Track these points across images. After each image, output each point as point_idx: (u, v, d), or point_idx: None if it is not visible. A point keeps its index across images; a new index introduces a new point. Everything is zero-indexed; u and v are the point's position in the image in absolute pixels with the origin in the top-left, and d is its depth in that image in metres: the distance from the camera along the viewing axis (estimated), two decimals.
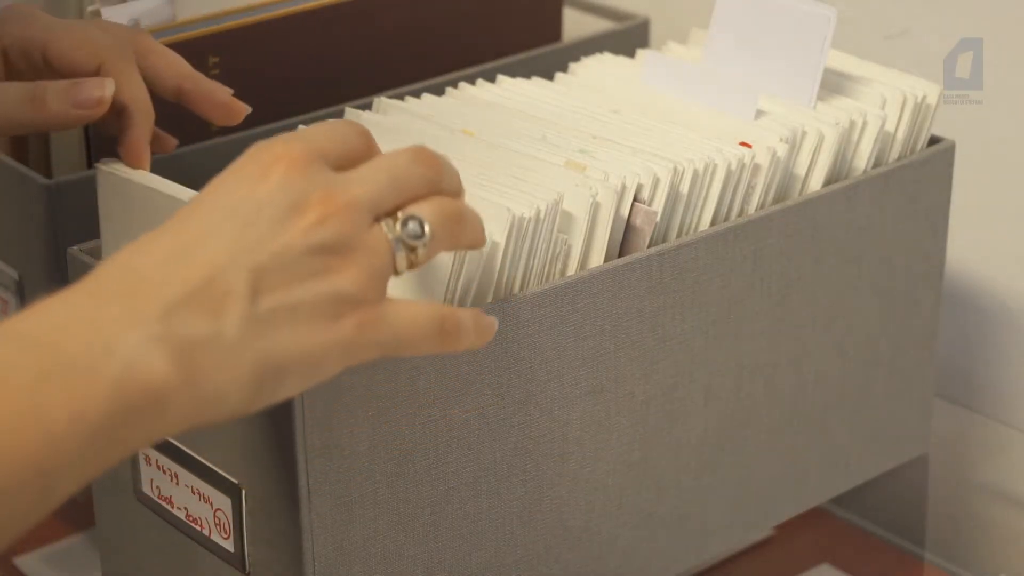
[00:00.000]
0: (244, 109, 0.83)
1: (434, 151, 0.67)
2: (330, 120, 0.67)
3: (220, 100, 0.83)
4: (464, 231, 0.67)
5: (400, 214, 0.65)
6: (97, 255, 0.80)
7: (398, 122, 0.86)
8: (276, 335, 0.60)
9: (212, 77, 0.91)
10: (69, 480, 0.56)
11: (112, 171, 0.78)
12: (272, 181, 0.62)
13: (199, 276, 0.59)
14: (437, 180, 0.66)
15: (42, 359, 0.56)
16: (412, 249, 0.65)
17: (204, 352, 0.59)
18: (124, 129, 0.80)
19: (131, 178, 0.77)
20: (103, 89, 0.79)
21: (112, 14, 0.91)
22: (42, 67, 0.82)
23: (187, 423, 0.59)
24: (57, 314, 0.58)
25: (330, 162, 0.64)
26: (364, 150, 0.66)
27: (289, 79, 0.97)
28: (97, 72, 0.80)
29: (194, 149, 0.92)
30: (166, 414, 0.58)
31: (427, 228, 0.65)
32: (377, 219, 0.64)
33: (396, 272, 0.65)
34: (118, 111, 0.80)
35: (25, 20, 0.82)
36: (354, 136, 0.66)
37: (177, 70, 0.83)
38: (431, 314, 0.66)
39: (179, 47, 0.91)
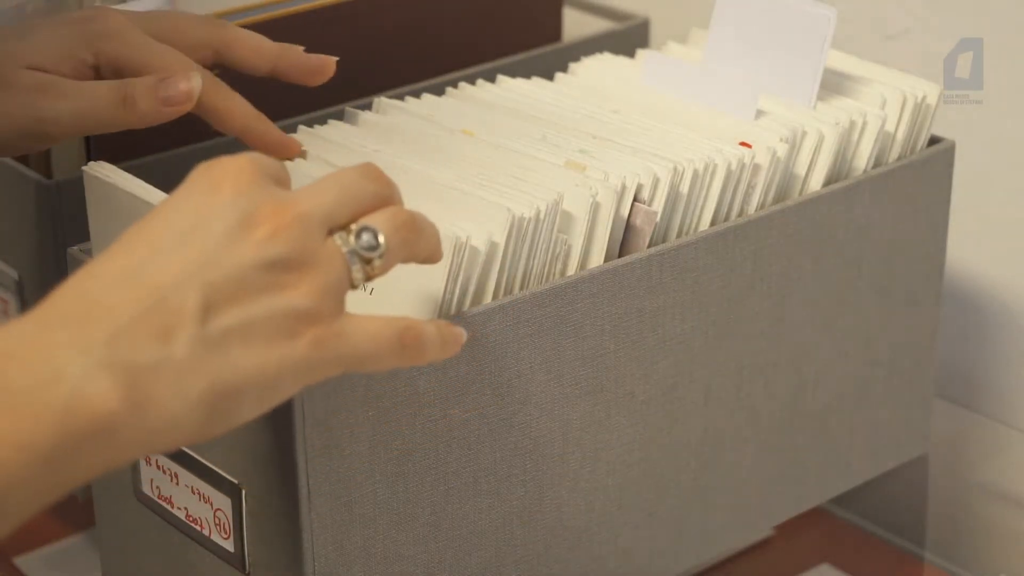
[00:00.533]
0: (332, 62, 0.83)
1: (381, 169, 0.66)
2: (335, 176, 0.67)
3: (312, 66, 0.83)
4: (420, 241, 0.66)
5: (353, 226, 0.64)
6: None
7: (398, 122, 0.86)
8: (228, 355, 0.59)
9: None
10: (18, 509, 0.55)
11: (98, 174, 0.78)
12: (221, 196, 0.61)
13: (148, 298, 0.58)
14: (388, 195, 0.66)
15: None
16: (368, 261, 0.64)
17: (153, 377, 0.57)
18: (251, 140, 0.80)
19: (115, 183, 0.76)
20: (190, 82, 0.78)
21: None
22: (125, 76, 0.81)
23: (139, 451, 0.58)
24: (5, 342, 0.57)
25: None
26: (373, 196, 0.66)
27: None
28: (197, 105, 0.80)
29: (193, 149, 0.92)
30: (116, 442, 0.57)
31: (382, 239, 0.64)
32: (330, 233, 0.63)
33: (352, 286, 0.64)
34: (229, 129, 0.80)
35: (122, 38, 0.81)
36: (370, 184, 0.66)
37: (264, 53, 0.83)
38: (391, 328, 0.64)
39: None
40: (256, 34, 0.84)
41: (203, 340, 0.58)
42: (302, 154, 0.82)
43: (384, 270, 0.65)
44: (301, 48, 0.84)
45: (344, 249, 0.63)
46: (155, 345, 0.58)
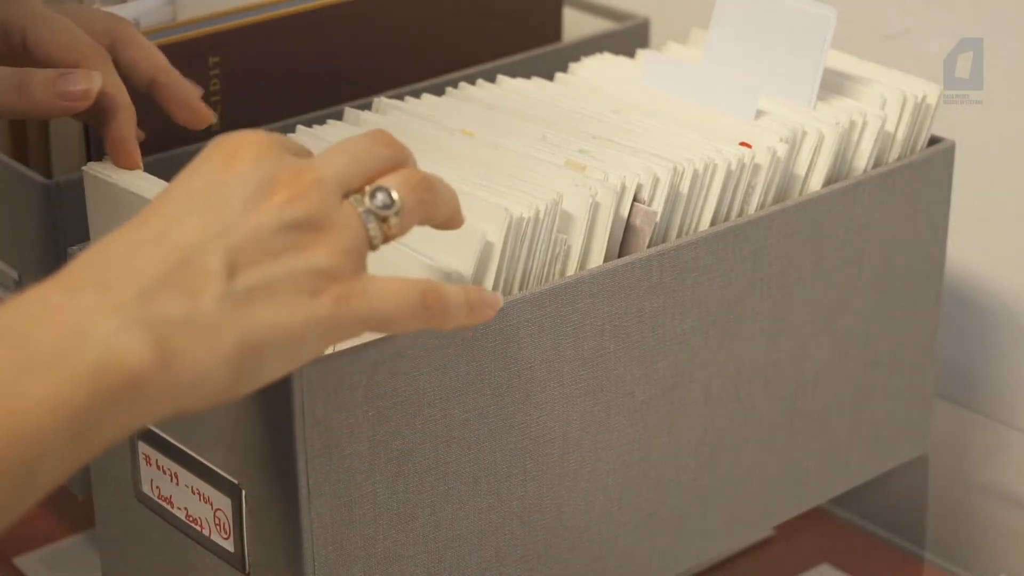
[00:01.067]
0: (210, 116, 0.83)
1: (391, 134, 0.67)
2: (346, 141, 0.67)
3: (189, 102, 0.83)
4: (436, 201, 0.67)
5: (367, 188, 0.65)
6: None
7: (398, 122, 0.86)
8: (254, 312, 0.60)
9: (212, 77, 0.91)
10: (53, 471, 0.56)
11: (98, 174, 0.78)
12: (239, 165, 0.62)
13: (173, 258, 0.59)
14: (401, 158, 0.67)
15: (17, 352, 0.55)
16: (384, 220, 0.65)
17: (182, 332, 0.58)
18: (106, 127, 0.80)
19: (116, 182, 0.77)
20: (90, 82, 0.78)
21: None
22: (21, 52, 0.82)
23: (169, 408, 0.58)
24: (30, 306, 0.57)
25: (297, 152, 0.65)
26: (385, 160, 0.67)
27: (289, 79, 0.97)
28: (74, 68, 0.80)
29: (193, 149, 0.92)
30: (146, 398, 0.57)
31: (396, 197, 0.65)
32: (345, 196, 0.64)
33: (371, 246, 0.64)
34: (98, 110, 0.80)
35: (12, 3, 0.82)
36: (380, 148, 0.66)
37: (154, 63, 0.83)
38: (413, 288, 0.65)
39: (179, 47, 0.91)
40: (155, 48, 0.84)
41: (230, 297, 0.59)
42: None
43: (402, 229, 0.65)
44: (193, 87, 0.83)
45: (360, 210, 0.64)
46: (183, 302, 0.58)
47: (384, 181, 0.65)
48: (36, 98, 0.79)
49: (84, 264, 0.59)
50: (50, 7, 0.83)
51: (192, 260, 0.59)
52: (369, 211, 0.64)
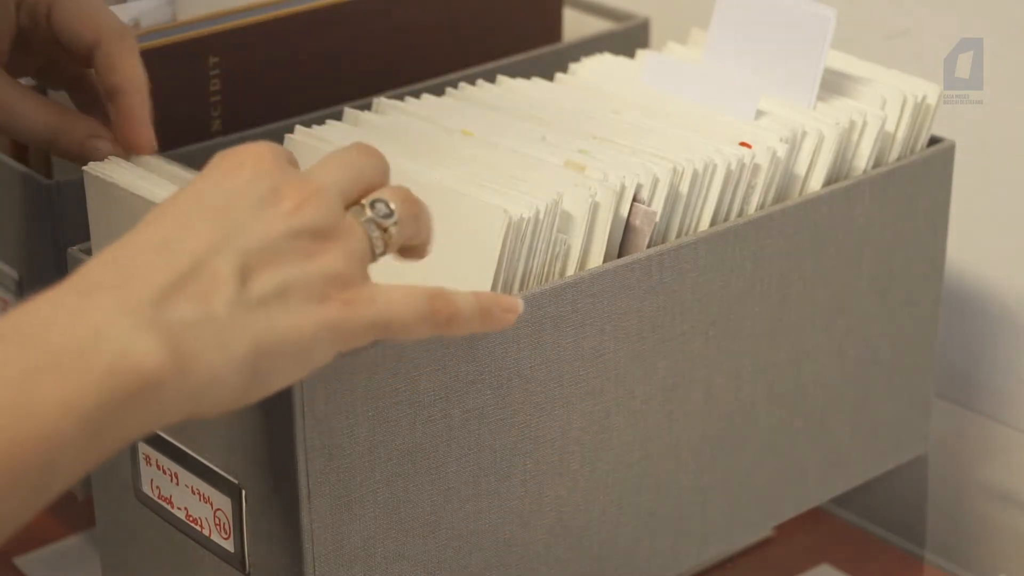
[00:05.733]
0: (151, 146, 0.81)
1: (369, 144, 0.68)
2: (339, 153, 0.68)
3: (134, 129, 0.81)
4: (422, 218, 0.68)
5: (365, 200, 0.66)
6: None
7: (398, 122, 0.86)
8: (267, 317, 0.60)
9: (212, 77, 0.91)
10: (66, 473, 0.56)
11: (98, 174, 0.78)
12: (244, 175, 0.63)
13: (185, 264, 0.59)
14: (384, 168, 0.68)
15: (31, 354, 0.55)
16: (384, 230, 0.65)
17: (196, 335, 0.58)
18: (120, 112, 0.80)
19: (116, 182, 0.77)
20: (116, 151, 0.80)
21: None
22: (45, 28, 0.82)
23: (183, 411, 0.59)
24: (44, 310, 0.57)
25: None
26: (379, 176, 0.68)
27: (289, 79, 0.97)
28: (93, 48, 0.80)
29: (193, 149, 0.92)
30: (160, 401, 0.57)
31: (394, 207, 0.66)
32: (346, 207, 0.65)
33: (374, 256, 0.65)
34: (112, 94, 0.81)
35: None
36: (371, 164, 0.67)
37: (131, 75, 0.81)
38: (421, 293, 0.65)
39: (179, 47, 0.91)
40: (140, 67, 0.82)
41: (242, 302, 0.60)
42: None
43: (399, 241, 0.66)
44: (147, 116, 0.82)
45: (362, 219, 0.65)
46: (197, 306, 0.59)
47: (380, 194, 0.66)
48: (64, 154, 0.82)
49: (97, 268, 0.60)
50: None
51: (205, 265, 0.60)
52: (371, 220, 0.65)
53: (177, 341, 0.58)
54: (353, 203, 0.66)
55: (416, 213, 0.67)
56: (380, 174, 0.67)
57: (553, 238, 0.77)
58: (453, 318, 0.67)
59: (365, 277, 0.64)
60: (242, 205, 0.62)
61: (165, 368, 0.57)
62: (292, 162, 0.66)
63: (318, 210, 0.63)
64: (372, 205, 0.66)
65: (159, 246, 0.60)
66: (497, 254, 0.75)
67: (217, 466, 0.75)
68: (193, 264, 0.60)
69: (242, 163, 0.64)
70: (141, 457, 0.80)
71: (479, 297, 0.68)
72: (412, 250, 0.69)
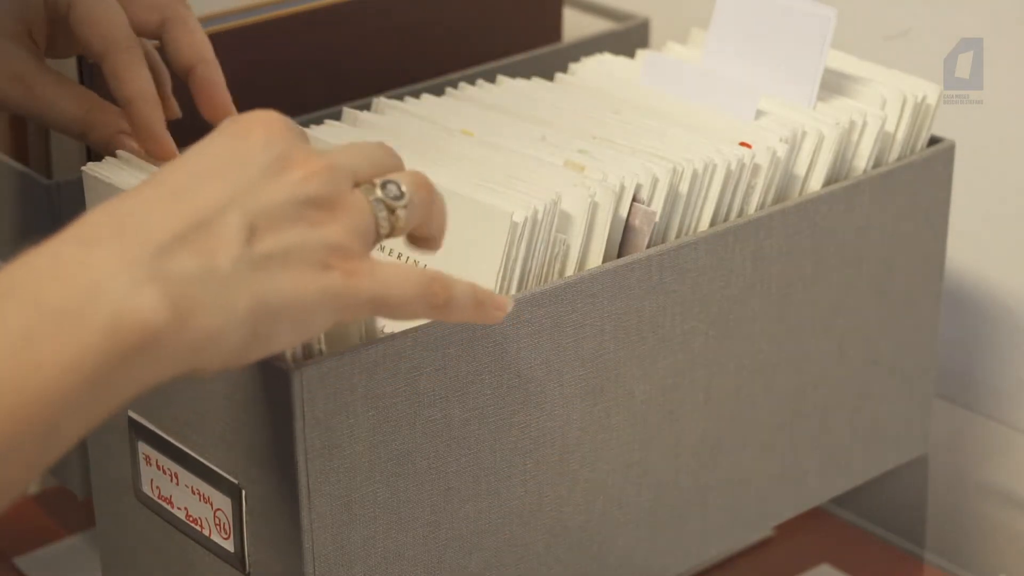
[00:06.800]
0: (230, 110, 0.83)
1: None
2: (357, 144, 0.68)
3: (217, 97, 0.83)
4: (434, 205, 0.68)
5: (377, 180, 0.66)
6: None
7: (398, 122, 0.86)
8: (270, 277, 0.60)
9: None
10: (69, 433, 0.56)
11: (98, 175, 0.78)
12: (254, 140, 0.63)
13: (191, 218, 0.59)
14: (400, 163, 0.68)
15: (31, 309, 0.55)
16: (392, 211, 0.65)
17: (197, 290, 0.58)
18: (134, 122, 0.81)
19: (116, 183, 0.77)
20: (136, 149, 0.81)
21: None
22: (63, 23, 0.83)
23: (183, 365, 0.58)
24: (44, 263, 0.57)
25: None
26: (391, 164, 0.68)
27: (288, 79, 0.97)
28: (101, 59, 0.81)
29: None
30: (161, 355, 0.57)
31: (405, 190, 0.66)
32: (356, 186, 0.65)
33: (379, 235, 0.65)
34: (123, 105, 0.81)
35: None
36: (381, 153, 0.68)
37: (198, 51, 0.83)
38: (420, 274, 0.66)
39: None
40: (205, 37, 0.84)
41: (246, 260, 0.60)
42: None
43: (407, 224, 0.66)
44: (221, 78, 0.83)
45: (371, 198, 0.65)
46: (200, 260, 0.58)
47: (393, 176, 0.66)
48: (95, 140, 0.82)
49: (99, 218, 0.59)
50: None
51: (211, 221, 0.59)
52: (380, 200, 0.65)
53: (178, 295, 0.57)
54: (365, 183, 0.66)
55: (429, 200, 0.67)
56: (395, 164, 0.68)
57: (552, 238, 0.77)
58: (449, 303, 0.67)
59: (366, 253, 0.64)
60: (252, 167, 0.62)
61: (165, 321, 0.56)
62: (302, 135, 0.66)
63: (326, 182, 0.63)
64: (384, 186, 0.65)
65: (166, 199, 0.60)
66: (500, 256, 0.75)
67: (217, 466, 0.75)
68: (200, 219, 0.59)
69: (251, 129, 0.63)
70: (141, 457, 0.80)
71: (475, 288, 0.68)
72: (424, 241, 0.69)
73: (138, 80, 0.81)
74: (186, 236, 0.59)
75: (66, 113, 0.83)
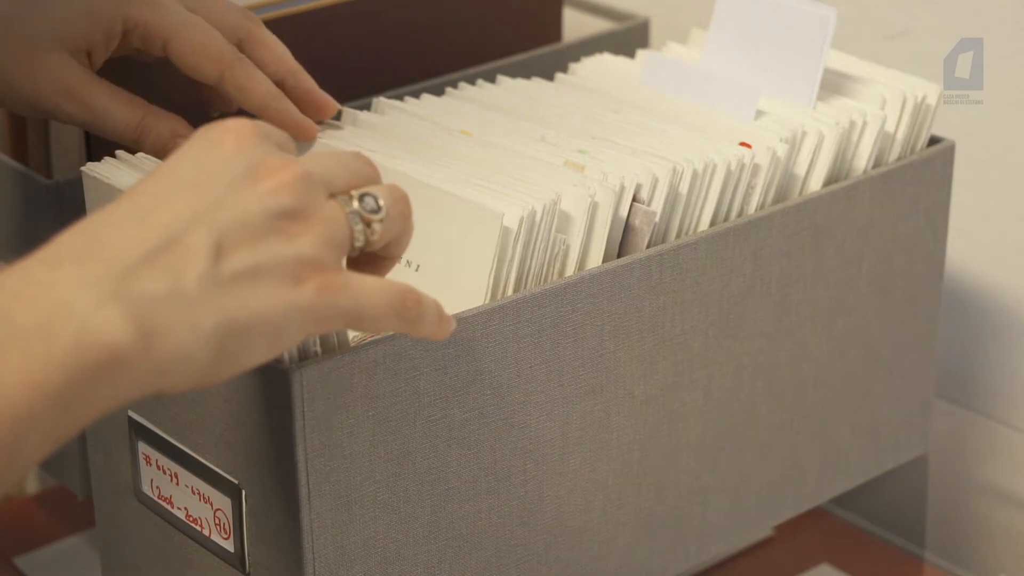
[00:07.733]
0: (334, 106, 0.86)
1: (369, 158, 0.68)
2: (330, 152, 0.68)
3: (316, 100, 0.86)
4: (410, 220, 0.67)
5: (354, 192, 0.65)
6: None
7: (397, 122, 0.86)
8: (237, 295, 0.60)
9: None
10: (35, 448, 0.55)
11: (98, 175, 0.78)
12: (226, 149, 0.62)
13: (158, 236, 0.59)
14: (378, 176, 0.67)
15: None
16: (368, 224, 0.65)
17: (163, 310, 0.57)
18: (276, 121, 0.82)
19: (114, 183, 0.77)
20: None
21: None
22: (163, 58, 0.84)
23: (150, 386, 0.58)
24: (11, 282, 0.57)
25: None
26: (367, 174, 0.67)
27: None
28: (219, 80, 0.83)
29: None
30: (127, 376, 0.57)
31: (383, 203, 0.65)
32: (331, 196, 0.64)
33: (353, 247, 0.65)
34: (258, 112, 0.83)
35: (153, 6, 0.83)
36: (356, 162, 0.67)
37: (283, 66, 0.86)
38: (393, 287, 0.65)
39: None
40: (282, 44, 0.86)
41: (213, 278, 0.59)
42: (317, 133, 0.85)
43: (382, 239, 0.66)
44: (312, 81, 0.86)
45: (347, 210, 0.64)
46: (166, 280, 0.58)
47: (371, 189, 0.66)
48: (149, 146, 0.83)
49: (68, 240, 0.59)
50: (181, 3, 0.84)
51: (177, 239, 0.59)
52: (356, 212, 0.65)
53: (143, 315, 0.57)
54: (341, 194, 0.65)
55: (406, 213, 0.67)
56: (373, 176, 0.67)
57: (552, 238, 0.77)
58: (420, 317, 0.66)
59: (339, 265, 0.64)
60: (219, 180, 0.61)
61: (130, 343, 0.56)
62: (275, 139, 0.65)
63: (299, 192, 0.62)
64: (361, 198, 0.65)
65: (133, 219, 0.60)
66: (491, 257, 0.75)
67: (217, 466, 0.75)
68: (168, 236, 0.59)
69: (222, 139, 0.63)
70: (141, 457, 0.80)
71: (438, 303, 0.68)
72: (397, 250, 0.68)
73: (262, 85, 0.84)
74: (153, 255, 0.58)
75: (120, 122, 0.83)
